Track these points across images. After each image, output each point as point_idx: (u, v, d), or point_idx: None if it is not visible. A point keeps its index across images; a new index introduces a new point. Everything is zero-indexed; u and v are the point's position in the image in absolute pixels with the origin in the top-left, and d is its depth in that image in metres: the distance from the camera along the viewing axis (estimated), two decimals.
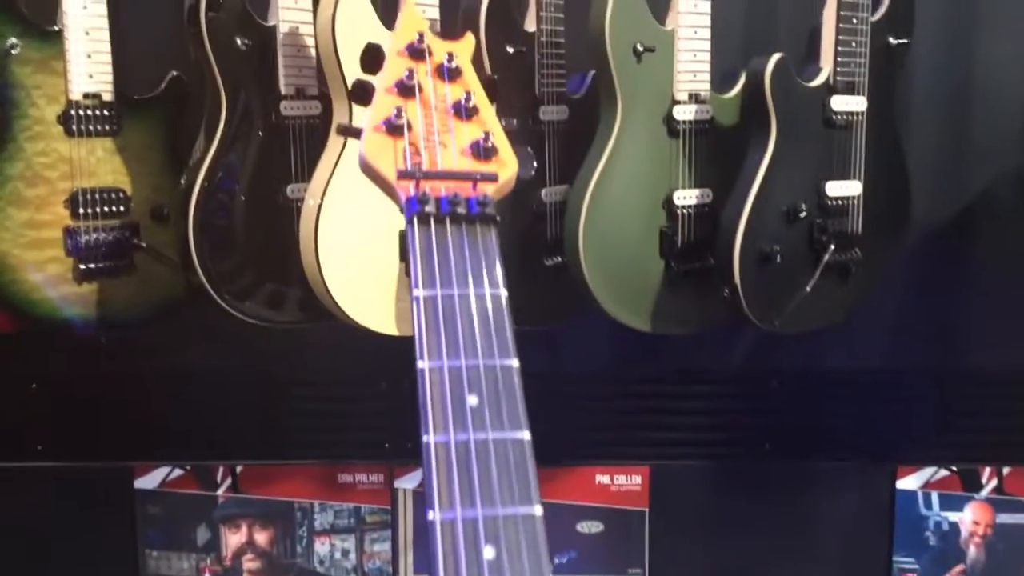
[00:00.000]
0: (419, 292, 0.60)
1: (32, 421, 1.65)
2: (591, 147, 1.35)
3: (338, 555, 1.72)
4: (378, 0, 1.37)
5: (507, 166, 0.68)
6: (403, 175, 0.65)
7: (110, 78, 1.36)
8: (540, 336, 1.48)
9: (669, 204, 1.37)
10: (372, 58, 0.72)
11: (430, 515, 0.53)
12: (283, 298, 1.39)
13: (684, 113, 1.36)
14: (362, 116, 0.70)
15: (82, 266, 1.37)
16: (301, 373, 1.67)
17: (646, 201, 1.36)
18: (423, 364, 0.57)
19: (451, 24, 1.34)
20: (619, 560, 1.72)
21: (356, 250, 1.31)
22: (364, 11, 1.31)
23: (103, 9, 1.33)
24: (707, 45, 1.35)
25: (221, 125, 1.33)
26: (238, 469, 1.68)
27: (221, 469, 1.69)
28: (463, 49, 0.74)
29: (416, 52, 0.72)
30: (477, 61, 1.31)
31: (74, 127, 1.34)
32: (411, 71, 0.70)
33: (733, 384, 1.68)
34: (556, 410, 1.66)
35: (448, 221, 0.64)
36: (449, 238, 0.63)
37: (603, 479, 1.70)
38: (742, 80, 1.39)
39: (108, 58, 1.35)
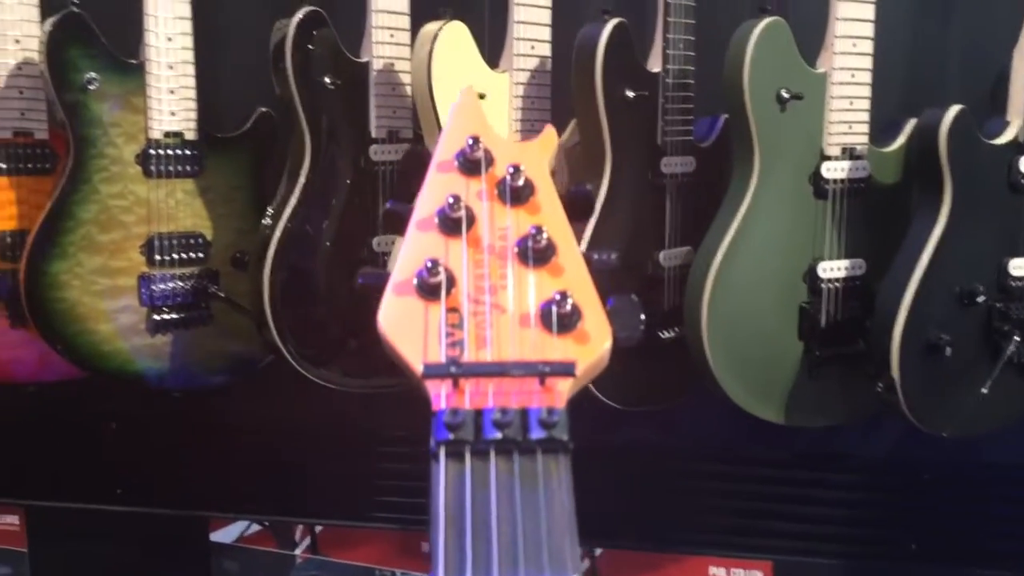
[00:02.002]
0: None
1: (112, 463, 1.60)
2: (721, 205, 1.17)
3: None
4: (485, 33, 1.24)
5: (594, 342, 0.46)
6: (432, 372, 0.45)
7: (194, 115, 1.27)
8: None
9: (812, 276, 1.17)
10: (392, 223, 0.52)
11: None
12: (365, 362, 1.26)
13: (835, 170, 1.15)
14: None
15: (156, 316, 1.28)
16: (388, 433, 1.57)
17: (784, 272, 1.16)
18: None
19: (564, 67, 1.17)
20: None
21: None
22: (465, 47, 1.16)
23: (189, 42, 1.24)
24: (867, 91, 1.15)
25: (305, 169, 1.21)
26: (317, 529, 1.61)
27: (300, 528, 1.61)
28: (538, 154, 0.52)
29: (469, 164, 0.51)
30: (591, 110, 1.15)
31: (153, 167, 1.25)
32: (457, 196, 0.49)
33: (875, 474, 1.49)
34: (668, 489, 1.51)
35: (493, 454, 0.42)
36: (493, 485, 0.41)
37: (718, 572, 1.54)
38: (906, 132, 1.18)
39: (192, 94, 1.26)
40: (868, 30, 1.14)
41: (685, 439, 1.50)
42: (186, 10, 1.22)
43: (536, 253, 0.48)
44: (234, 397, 1.51)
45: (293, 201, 1.21)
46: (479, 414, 0.43)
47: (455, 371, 0.44)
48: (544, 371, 0.44)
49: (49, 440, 1.60)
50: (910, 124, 1.20)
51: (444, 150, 0.51)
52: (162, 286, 1.28)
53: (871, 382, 1.13)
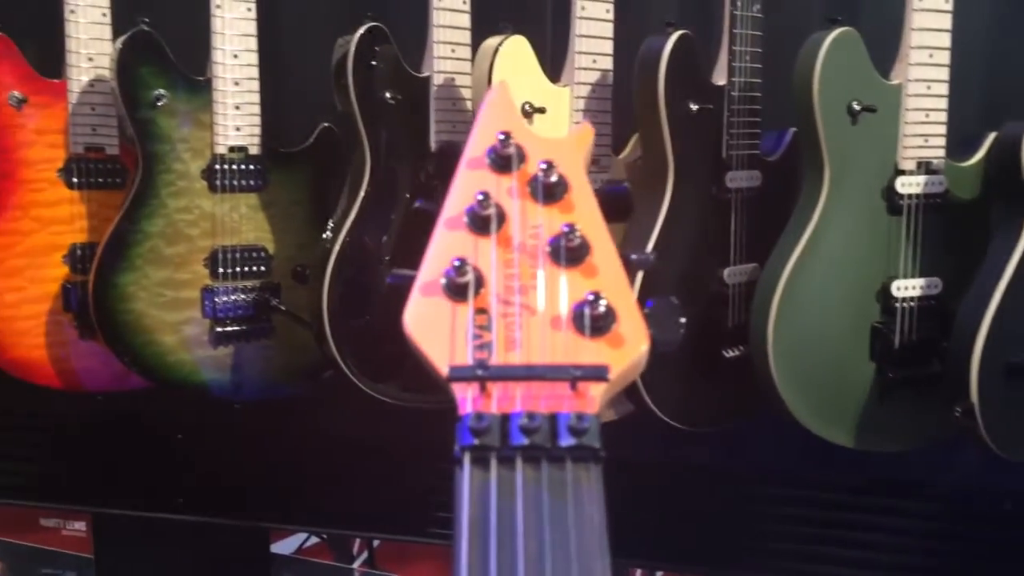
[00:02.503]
0: None
1: (175, 474, 1.63)
2: (789, 221, 1.13)
3: None
4: (547, 47, 1.23)
5: (628, 345, 0.43)
6: (458, 374, 0.42)
7: (258, 130, 1.28)
8: None
9: (885, 295, 1.12)
10: (421, 222, 0.50)
11: None
12: (423, 378, 1.25)
13: (910, 185, 1.11)
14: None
15: (219, 328, 1.29)
16: (446, 449, 1.54)
17: (856, 290, 1.12)
18: None
19: (626, 81, 1.15)
20: None
21: None
22: (526, 61, 1.15)
23: (254, 59, 1.25)
24: (943, 103, 1.10)
25: (365, 183, 1.21)
26: (375, 543, 1.60)
27: (358, 542, 1.61)
28: (572, 150, 0.49)
29: (500, 161, 0.48)
30: (653, 123, 1.13)
31: (218, 182, 1.27)
32: (487, 193, 0.46)
33: (952, 502, 1.42)
34: (731, 512, 1.46)
35: (520, 462, 0.40)
36: (519, 494, 0.38)
37: None
38: (985, 145, 1.13)
39: (257, 109, 1.27)
40: (945, 40, 1.10)
41: (749, 461, 1.45)
42: (251, 28, 1.24)
43: (569, 252, 0.45)
44: (295, 410, 1.52)
45: (353, 215, 1.21)
46: (506, 419, 0.41)
47: (482, 374, 0.42)
48: (575, 375, 0.42)
49: (116, 449, 1.63)
50: (990, 138, 1.14)
51: (475, 146, 0.49)
52: (225, 299, 1.29)
53: (947, 406, 1.08)
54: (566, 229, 0.45)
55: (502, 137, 0.48)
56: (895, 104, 1.10)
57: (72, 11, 1.25)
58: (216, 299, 1.28)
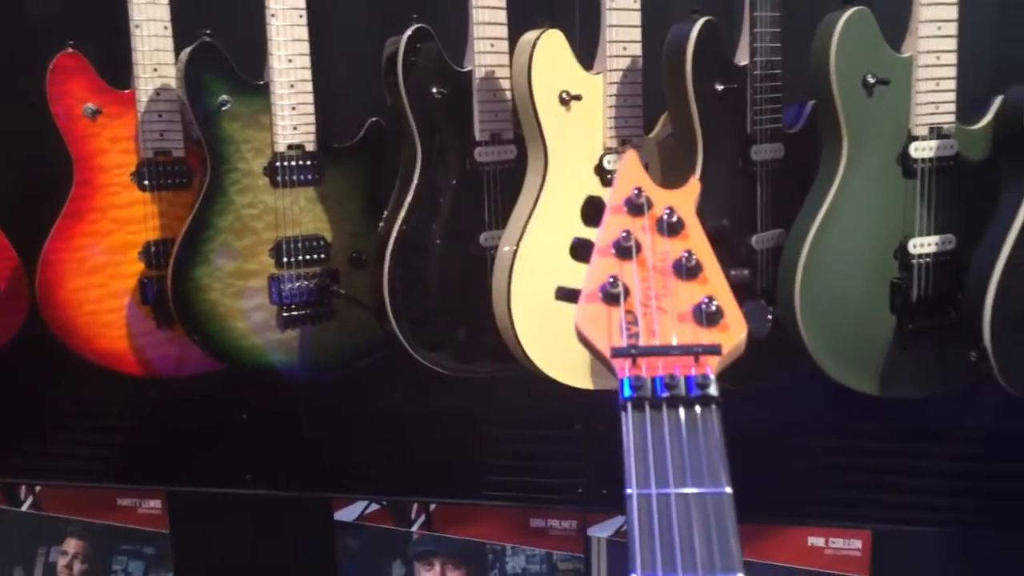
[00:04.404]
0: (632, 490, 0.54)
1: (241, 451, 1.72)
2: (811, 189, 1.22)
3: None
4: (576, 38, 1.31)
5: (733, 332, 0.61)
6: (618, 353, 0.60)
7: (313, 128, 1.38)
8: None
9: (902, 253, 1.21)
10: (593, 212, 0.69)
11: None
12: (475, 348, 1.36)
13: (923, 150, 1.20)
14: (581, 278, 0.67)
15: (285, 313, 1.40)
16: (496, 415, 1.65)
17: (875, 250, 1.21)
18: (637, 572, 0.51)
19: (655, 66, 1.24)
20: None
21: (550, 300, 1.24)
22: (562, 53, 1.24)
23: (307, 61, 1.35)
24: (952, 72, 1.18)
25: (417, 173, 1.31)
26: (431, 507, 1.68)
27: (416, 506, 1.69)
28: (685, 199, 0.69)
29: (635, 207, 0.68)
30: (682, 104, 1.22)
31: (279, 178, 1.37)
32: (628, 231, 0.66)
33: (975, 444, 1.50)
34: (768, 463, 1.52)
35: (665, 406, 0.57)
36: (666, 426, 0.56)
37: (817, 541, 1.56)
38: (994, 109, 1.21)
39: (311, 109, 1.37)
40: (952, 13, 1.18)
41: (784, 415, 1.52)
42: (303, 33, 1.33)
43: (688, 270, 0.64)
44: (354, 387, 1.60)
45: (407, 203, 1.31)
46: (653, 380, 0.58)
47: (634, 352, 0.59)
48: (698, 351, 0.59)
49: (187, 430, 1.71)
50: (997, 101, 1.22)
51: (615, 197, 0.68)
52: (290, 286, 1.39)
53: (964, 352, 1.17)
54: (685, 254, 0.64)
55: (636, 191, 0.68)
56: (907, 75, 1.18)
57: (137, 26, 1.35)
58: (282, 286, 1.39)
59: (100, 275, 1.41)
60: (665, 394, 0.57)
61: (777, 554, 1.57)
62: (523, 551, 1.66)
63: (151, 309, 1.43)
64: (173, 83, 1.38)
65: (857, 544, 1.54)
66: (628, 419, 0.56)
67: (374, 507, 1.70)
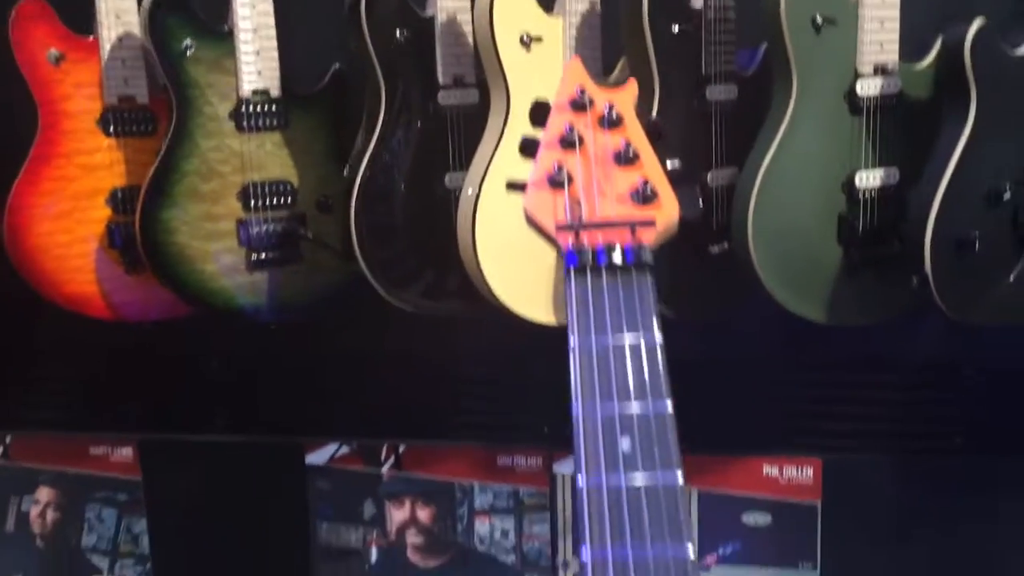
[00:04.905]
0: (574, 341, 0.64)
1: (211, 398, 1.75)
2: (762, 128, 1.27)
3: (498, 535, 1.73)
4: None
5: (666, 209, 0.72)
6: (562, 227, 0.70)
7: (277, 74, 1.39)
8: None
9: (849, 186, 1.27)
10: (541, 114, 0.80)
11: (583, 553, 0.59)
12: (442, 287, 1.40)
13: (868, 87, 1.25)
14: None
15: (254, 256, 1.42)
16: (463, 357, 1.68)
17: (823, 184, 1.27)
18: (578, 410, 0.62)
19: (612, 10, 1.28)
20: (788, 553, 1.65)
21: (514, 239, 1.27)
22: None
23: (270, 7, 1.36)
24: (896, 12, 1.23)
25: (381, 116, 1.34)
26: (401, 448, 1.72)
27: (385, 448, 1.72)
28: (625, 97, 0.78)
29: (578, 105, 0.76)
30: (639, 45, 1.26)
31: (244, 123, 1.38)
32: (571, 125, 0.75)
33: (918, 373, 1.57)
34: (723, 397, 1.59)
35: (604, 272, 0.68)
36: (605, 288, 0.67)
37: (771, 470, 1.63)
38: (936, 48, 1.26)
39: (275, 55, 1.38)
40: None
41: (737, 350, 1.58)
42: None
43: (627, 159, 0.73)
44: (321, 330, 1.64)
45: (372, 145, 1.34)
46: (595, 249, 0.69)
47: (577, 225, 0.70)
48: (635, 224, 0.70)
49: (157, 378, 1.74)
50: (939, 40, 1.28)
51: (560, 96, 0.77)
52: (257, 229, 1.42)
53: (906, 280, 1.23)
54: (624, 145, 0.74)
55: (579, 91, 0.76)
56: (853, 15, 1.23)
57: None
58: (250, 230, 1.41)
59: (67, 220, 1.42)
60: (604, 261, 0.68)
61: (734, 483, 1.64)
62: (491, 488, 1.71)
63: (119, 254, 1.45)
64: (137, 30, 1.39)
65: (809, 472, 1.62)
66: (571, 283, 0.67)
67: (344, 450, 1.73)
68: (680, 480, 0.60)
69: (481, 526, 1.73)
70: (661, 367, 0.63)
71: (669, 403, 0.61)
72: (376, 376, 1.69)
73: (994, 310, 1.24)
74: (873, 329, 1.44)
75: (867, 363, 1.58)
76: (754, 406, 1.62)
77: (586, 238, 0.70)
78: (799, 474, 1.62)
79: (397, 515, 1.74)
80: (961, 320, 1.24)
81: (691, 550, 0.57)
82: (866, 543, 1.63)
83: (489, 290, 1.30)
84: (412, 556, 1.75)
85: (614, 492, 0.59)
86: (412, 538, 1.75)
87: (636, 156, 0.74)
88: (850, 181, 1.27)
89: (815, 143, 1.25)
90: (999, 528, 1.59)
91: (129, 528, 1.79)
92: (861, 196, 1.27)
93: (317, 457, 1.74)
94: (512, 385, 1.69)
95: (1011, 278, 1.21)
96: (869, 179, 1.27)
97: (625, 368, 0.63)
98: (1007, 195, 1.21)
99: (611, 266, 0.68)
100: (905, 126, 1.27)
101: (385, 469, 1.73)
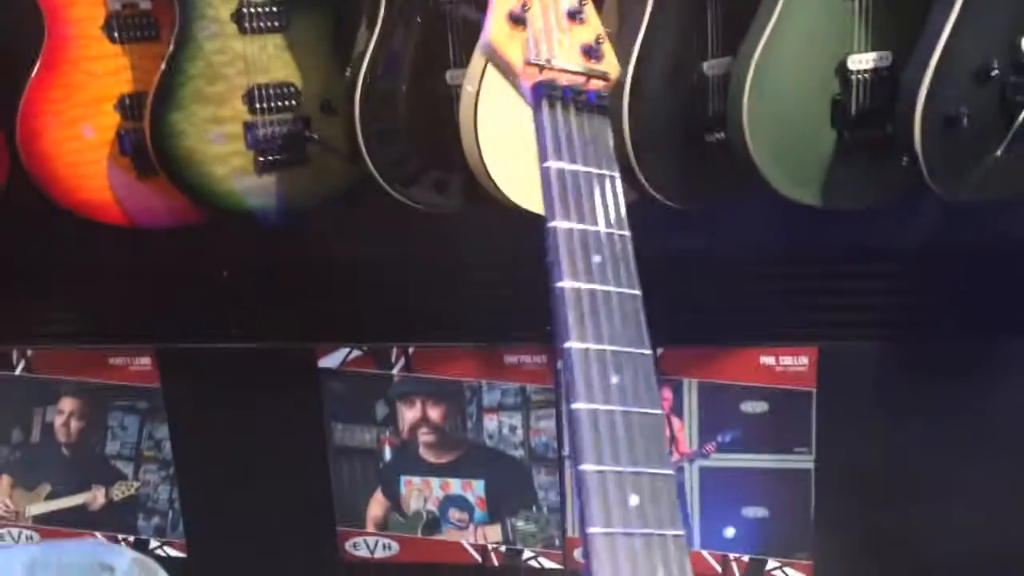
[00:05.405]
0: (551, 163, 0.71)
1: (225, 306, 1.78)
2: (756, 14, 1.28)
3: (506, 431, 1.79)
4: None
5: (614, 69, 0.78)
6: (530, 64, 0.74)
7: None
8: (703, 213, 1.45)
9: (843, 70, 1.29)
10: None
11: (574, 405, 0.67)
12: (447, 183, 1.43)
13: None
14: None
15: (261, 158, 1.45)
16: (467, 258, 1.70)
17: (817, 67, 1.29)
18: (555, 224, 0.70)
19: None
20: (784, 440, 1.71)
21: (515, 133, 1.30)
22: None
23: None
24: None
25: (381, 14, 1.35)
26: (411, 350, 1.76)
27: (395, 350, 1.77)
28: None
29: None
30: None
31: (246, 24, 1.40)
32: None
33: (910, 261, 1.60)
34: (719, 289, 1.63)
35: (572, 107, 0.74)
36: (573, 120, 0.74)
37: (768, 360, 1.68)
38: None
39: None
40: None
41: (733, 242, 1.60)
42: None
43: (579, 16, 0.79)
44: (331, 235, 1.67)
45: (374, 43, 1.36)
46: (563, 88, 0.76)
47: (544, 64, 0.75)
48: (594, 74, 0.77)
49: (172, 289, 1.77)
50: None
51: None
52: (264, 131, 1.45)
53: (898, 158, 1.26)
54: (577, 3, 0.79)
55: None
56: None
57: None
58: (256, 132, 1.44)
59: (77, 127, 1.45)
60: (572, 97, 0.74)
61: (732, 373, 1.69)
62: (498, 386, 1.77)
63: (130, 161, 1.48)
64: None
65: (804, 360, 1.67)
66: (543, 112, 0.73)
67: (356, 353, 1.78)
68: (639, 292, 0.71)
69: (490, 423, 1.79)
70: (621, 201, 0.71)
71: (627, 229, 0.71)
72: (386, 280, 1.72)
73: (982, 187, 1.27)
74: (865, 218, 1.47)
75: (860, 252, 1.61)
76: (751, 297, 1.65)
77: (552, 77, 0.75)
78: (795, 362, 1.67)
79: (408, 415, 1.80)
80: (951, 198, 1.28)
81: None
82: (860, 428, 1.69)
83: (493, 184, 1.34)
84: (424, 453, 1.81)
85: (586, 294, 0.69)
86: (424, 436, 1.81)
87: (585, 16, 0.80)
88: (843, 64, 1.29)
89: (808, 28, 1.27)
90: (990, 411, 1.64)
91: (151, 434, 1.86)
92: (854, 79, 1.29)
93: (329, 361, 1.80)
94: (517, 286, 1.72)
95: (998, 154, 1.23)
96: (862, 62, 1.29)
97: (593, 195, 0.71)
98: (995, 72, 1.23)
99: (578, 103, 0.74)
100: (899, 9, 1.28)
101: (396, 371, 1.78)
